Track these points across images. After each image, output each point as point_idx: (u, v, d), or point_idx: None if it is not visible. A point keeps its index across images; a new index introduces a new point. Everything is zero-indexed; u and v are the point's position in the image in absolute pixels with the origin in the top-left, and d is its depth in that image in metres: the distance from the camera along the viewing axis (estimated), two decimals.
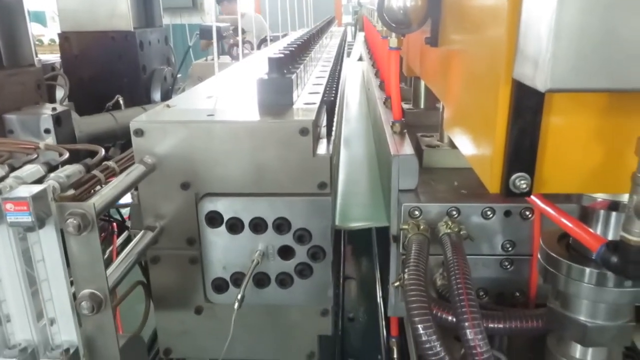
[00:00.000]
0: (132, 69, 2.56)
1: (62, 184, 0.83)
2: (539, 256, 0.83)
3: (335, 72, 1.67)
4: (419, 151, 1.22)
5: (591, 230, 0.72)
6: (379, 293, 2.16)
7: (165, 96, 2.71)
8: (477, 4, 0.70)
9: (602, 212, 0.74)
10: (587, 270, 0.74)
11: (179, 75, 3.01)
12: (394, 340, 1.37)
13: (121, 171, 1.03)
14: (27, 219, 0.72)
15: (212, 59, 3.30)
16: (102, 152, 1.09)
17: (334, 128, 1.18)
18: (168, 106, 1.13)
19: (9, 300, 0.79)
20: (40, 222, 0.74)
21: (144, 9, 2.86)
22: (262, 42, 3.51)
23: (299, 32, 3.55)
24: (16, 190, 0.74)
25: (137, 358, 1.01)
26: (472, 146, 0.73)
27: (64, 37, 2.56)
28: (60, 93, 2.40)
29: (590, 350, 0.81)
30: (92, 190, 0.90)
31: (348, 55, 3.95)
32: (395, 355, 1.36)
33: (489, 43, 0.64)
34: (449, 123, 0.91)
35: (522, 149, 0.59)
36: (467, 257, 0.89)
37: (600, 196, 0.71)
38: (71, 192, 0.87)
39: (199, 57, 3.89)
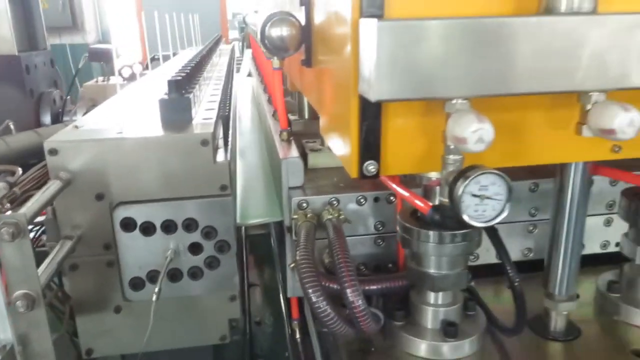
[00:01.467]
0: (19, 93, 2.54)
1: None
2: (397, 228, 1.07)
3: (227, 89, 1.85)
4: (304, 155, 1.44)
5: (423, 198, 0.97)
6: (282, 295, 2.35)
7: (56, 119, 2.71)
8: (334, 38, 0.92)
9: (437, 187, 0.99)
10: (430, 233, 0.99)
11: (67, 98, 3.00)
12: (295, 322, 1.57)
13: (36, 188, 1.13)
14: None
15: (103, 81, 3.31)
16: (20, 171, 1.18)
17: (229, 139, 1.36)
18: (76, 127, 1.24)
19: None
20: None
21: (26, 31, 2.83)
22: (153, 60, 3.58)
23: (188, 50, 3.67)
24: None
25: (63, 355, 1.12)
26: (339, 145, 0.95)
27: None
28: None
29: (440, 294, 1.07)
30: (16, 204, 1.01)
31: (238, 71, 4.13)
32: (297, 336, 1.55)
33: (343, 67, 0.86)
34: (324, 129, 1.13)
35: (370, 143, 0.82)
36: (347, 237, 1.11)
37: (434, 175, 0.97)
38: None
39: (84, 79, 3.85)
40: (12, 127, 2.25)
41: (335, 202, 1.23)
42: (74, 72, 3.99)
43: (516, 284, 0.99)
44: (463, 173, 0.83)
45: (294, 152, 1.34)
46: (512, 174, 0.85)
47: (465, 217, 0.85)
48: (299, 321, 1.56)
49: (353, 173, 0.85)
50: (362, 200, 1.24)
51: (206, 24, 5.68)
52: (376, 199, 1.24)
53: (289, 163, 1.27)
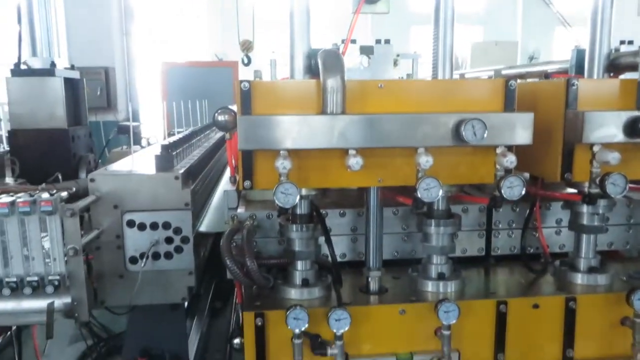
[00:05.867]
0: (66, 156, 3.52)
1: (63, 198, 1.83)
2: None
3: (209, 152, 2.76)
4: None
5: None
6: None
7: None
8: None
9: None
10: (293, 225, 1.83)
11: (99, 161, 3.97)
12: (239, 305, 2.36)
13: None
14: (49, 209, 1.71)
15: (126, 148, 4.32)
16: (73, 189, 2.08)
17: (198, 178, 2.25)
18: (105, 169, 2.15)
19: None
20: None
21: (73, 111, 3.86)
22: (169, 134, 4.59)
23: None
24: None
25: (90, 302, 1.95)
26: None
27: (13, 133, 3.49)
28: (8, 172, 3.28)
29: (299, 262, 1.89)
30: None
31: None
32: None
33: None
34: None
35: (247, 170, 1.69)
36: (260, 238, 1.96)
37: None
38: None
39: (113, 148, 4.87)
40: (60, 177, 3.19)
41: (254, 216, 2.08)
42: (104, 143, 5.03)
43: (334, 258, 1.82)
44: None
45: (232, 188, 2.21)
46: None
47: None
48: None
49: (240, 186, 1.72)
50: (270, 215, 2.08)
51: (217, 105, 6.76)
52: (278, 215, 2.09)
53: (230, 192, 2.14)
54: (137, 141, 4.88)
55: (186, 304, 2.25)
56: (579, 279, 1.95)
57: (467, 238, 2.13)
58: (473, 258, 2.17)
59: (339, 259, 2.08)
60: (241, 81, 1.68)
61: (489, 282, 2.05)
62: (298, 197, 1.62)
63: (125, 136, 4.87)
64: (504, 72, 2.46)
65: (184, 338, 2.49)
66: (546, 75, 2.21)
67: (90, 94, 6.70)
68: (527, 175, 2.03)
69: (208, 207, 2.69)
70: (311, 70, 1.84)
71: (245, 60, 10.05)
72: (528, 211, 2.05)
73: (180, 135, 2.75)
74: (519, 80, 1.98)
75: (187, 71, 8.73)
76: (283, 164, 1.59)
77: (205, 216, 2.51)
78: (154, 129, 7.07)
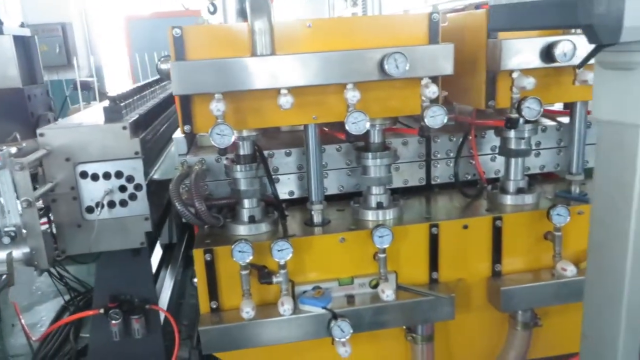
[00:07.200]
0: (23, 116, 3.53)
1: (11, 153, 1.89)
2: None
3: (161, 104, 2.81)
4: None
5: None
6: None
7: None
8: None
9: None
10: (238, 166, 1.93)
11: (60, 118, 3.98)
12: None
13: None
14: None
15: (85, 105, 4.32)
16: (24, 145, 2.14)
17: (150, 128, 2.31)
18: (56, 123, 2.20)
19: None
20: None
21: (27, 70, 3.84)
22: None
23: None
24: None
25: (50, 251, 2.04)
26: None
27: None
28: None
29: (246, 201, 2.00)
30: None
31: None
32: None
33: None
34: None
35: (185, 115, 1.76)
36: (211, 181, 2.05)
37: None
38: None
39: (73, 104, 4.86)
40: (18, 137, 3.22)
41: (202, 160, 2.16)
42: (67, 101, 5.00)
43: (276, 195, 1.93)
44: None
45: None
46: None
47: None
48: None
49: (181, 131, 1.80)
50: (219, 159, 2.17)
51: None
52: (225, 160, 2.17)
53: (178, 139, 2.21)
54: (94, 97, 4.87)
55: (164, 249, 2.35)
56: (508, 200, 2.10)
57: (408, 169, 2.25)
58: (418, 188, 2.30)
59: (287, 197, 2.20)
60: (173, 27, 1.73)
61: (427, 208, 2.19)
62: (234, 138, 1.70)
63: (85, 93, 4.86)
64: (440, 6, 2.52)
65: (151, 281, 2.62)
66: (476, 7, 2.28)
67: (49, 52, 6.60)
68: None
69: (166, 155, 2.77)
70: (244, 14, 1.88)
71: (212, 9, 9.81)
72: (461, 139, 2.17)
73: (133, 87, 2.78)
74: (449, 15, 2.06)
75: (151, 23, 8.50)
76: (217, 107, 1.66)
77: (162, 164, 2.60)
78: (121, 84, 7.01)
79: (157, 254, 3.92)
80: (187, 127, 1.79)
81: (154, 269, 3.41)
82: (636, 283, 1.02)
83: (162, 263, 3.91)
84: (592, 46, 0.96)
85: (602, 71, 0.96)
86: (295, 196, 2.21)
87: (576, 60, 1.77)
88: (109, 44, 8.75)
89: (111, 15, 9.55)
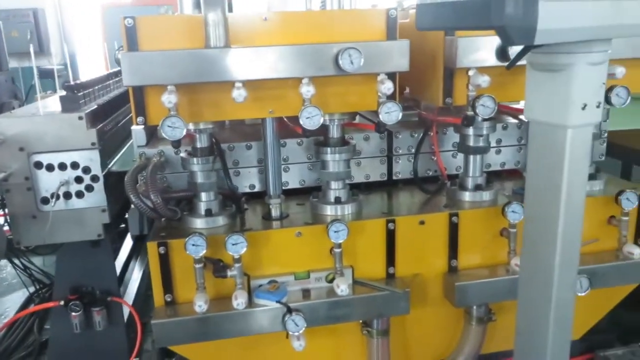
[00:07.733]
0: None
1: None
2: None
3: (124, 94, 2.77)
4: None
5: None
6: None
7: None
8: None
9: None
10: (194, 159, 1.91)
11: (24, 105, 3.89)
12: None
13: None
14: None
15: (50, 93, 4.25)
16: None
17: (109, 119, 2.27)
18: (11, 112, 2.15)
19: None
20: None
21: None
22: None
23: None
24: None
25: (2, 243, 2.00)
26: None
27: None
28: None
29: (203, 194, 1.99)
30: None
31: None
32: None
33: None
34: None
35: (139, 106, 1.74)
36: (170, 174, 2.03)
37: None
38: None
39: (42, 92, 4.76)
40: None
41: (161, 152, 2.14)
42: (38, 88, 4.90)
43: (233, 186, 1.92)
44: None
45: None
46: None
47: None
48: None
49: (134, 122, 1.77)
50: (178, 151, 2.15)
51: None
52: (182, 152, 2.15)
53: (137, 130, 2.18)
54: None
55: (129, 241, 2.32)
56: (466, 196, 2.11)
57: (369, 164, 2.25)
58: (382, 183, 2.30)
59: (248, 190, 2.19)
60: (125, 17, 1.70)
61: (387, 204, 2.19)
62: (185, 131, 1.68)
63: (51, 81, 4.76)
64: (408, 2, 2.51)
65: (113, 273, 2.59)
66: None
67: (19, 38, 6.44)
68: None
69: (129, 147, 2.73)
70: (200, 5, 1.85)
71: None
72: (421, 136, 2.18)
73: (94, 77, 2.73)
74: (412, 11, 2.05)
75: (129, 11, 8.32)
76: (168, 99, 1.64)
77: (124, 155, 2.56)
78: (95, 73, 6.88)
79: (128, 245, 3.88)
80: (140, 119, 1.76)
81: (122, 261, 3.39)
82: (565, 280, 1.03)
83: (132, 254, 3.87)
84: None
85: (532, 72, 0.97)
86: (256, 190, 2.20)
87: None
88: (84, 32, 8.59)
89: (86, 2, 9.37)
